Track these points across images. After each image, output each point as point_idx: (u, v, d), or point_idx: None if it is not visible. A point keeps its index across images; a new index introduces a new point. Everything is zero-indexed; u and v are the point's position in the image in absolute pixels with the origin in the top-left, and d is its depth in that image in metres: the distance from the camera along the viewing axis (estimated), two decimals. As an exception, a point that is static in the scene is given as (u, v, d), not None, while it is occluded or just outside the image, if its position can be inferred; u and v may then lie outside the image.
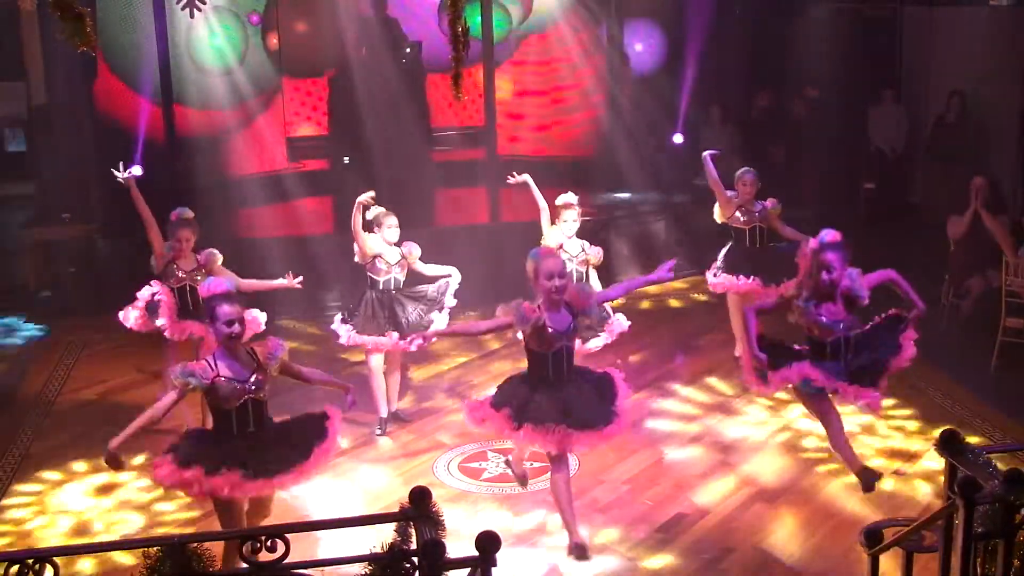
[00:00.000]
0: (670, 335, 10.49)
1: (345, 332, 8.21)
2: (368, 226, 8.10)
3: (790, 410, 8.47)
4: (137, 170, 10.55)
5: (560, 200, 8.28)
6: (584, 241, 8.33)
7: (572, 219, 8.21)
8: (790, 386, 6.50)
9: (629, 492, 7.33)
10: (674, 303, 11.29)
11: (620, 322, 8.30)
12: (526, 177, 8.38)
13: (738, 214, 8.97)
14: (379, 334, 8.07)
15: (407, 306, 8.15)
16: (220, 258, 7.98)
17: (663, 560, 6.47)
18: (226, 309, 5.33)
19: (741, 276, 8.93)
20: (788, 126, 13.40)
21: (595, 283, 8.27)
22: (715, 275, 9.13)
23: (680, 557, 6.49)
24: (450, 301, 8.25)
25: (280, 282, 8.02)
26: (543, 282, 5.82)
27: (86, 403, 9.19)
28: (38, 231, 11.56)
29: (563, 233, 8.24)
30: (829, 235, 6.02)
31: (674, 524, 6.89)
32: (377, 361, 8.25)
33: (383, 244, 8.13)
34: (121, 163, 7.96)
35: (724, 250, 9.15)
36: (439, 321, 8.14)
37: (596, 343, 8.20)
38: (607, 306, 8.24)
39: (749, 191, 8.94)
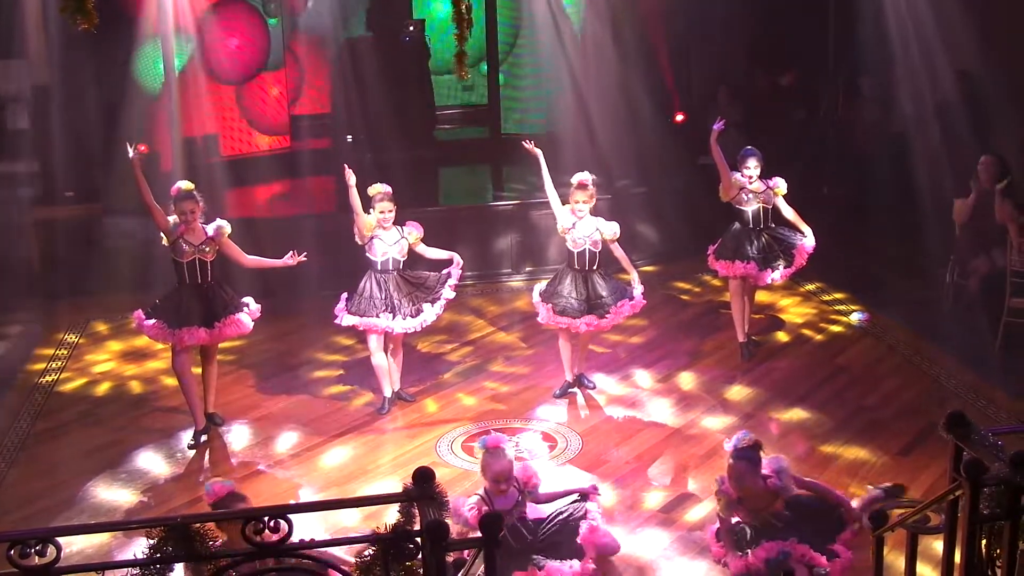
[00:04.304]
0: (675, 315, 10.47)
1: (340, 312, 8.20)
2: (368, 206, 8.06)
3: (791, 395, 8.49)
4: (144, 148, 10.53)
5: (574, 179, 8.17)
6: (598, 219, 8.21)
7: (583, 199, 8.11)
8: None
9: (633, 471, 7.33)
10: (680, 284, 11.26)
11: (639, 297, 8.26)
12: (539, 152, 8.31)
13: (742, 195, 8.93)
14: (374, 315, 8.06)
15: (404, 289, 8.12)
16: (228, 229, 7.87)
17: (666, 539, 6.48)
18: (240, 506, 5.26)
19: (738, 261, 8.92)
20: (792, 104, 13.34)
21: (620, 256, 8.20)
22: (716, 257, 9.12)
23: (681, 538, 6.50)
24: (448, 293, 8.21)
25: (284, 260, 8.01)
26: (490, 482, 5.87)
27: (89, 383, 9.19)
28: (41, 210, 11.53)
29: (575, 214, 8.17)
30: (740, 441, 5.98)
31: (677, 504, 6.90)
32: (375, 341, 8.22)
33: (379, 224, 8.09)
34: (128, 142, 7.87)
35: (727, 231, 9.11)
36: (429, 312, 8.13)
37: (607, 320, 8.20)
38: (636, 280, 8.21)
39: (752, 172, 8.89)
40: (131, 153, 7.62)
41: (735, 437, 6.03)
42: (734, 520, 6.06)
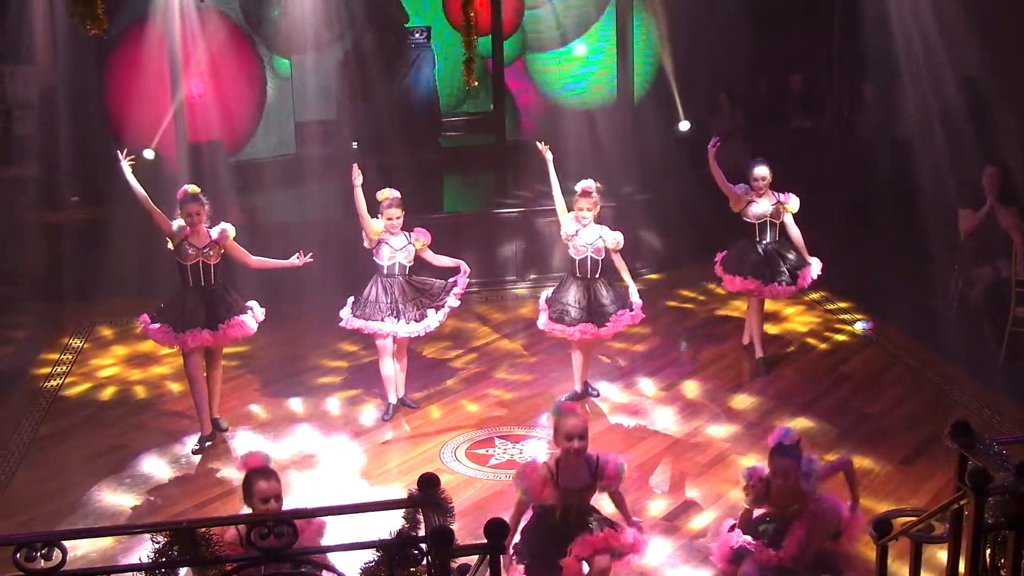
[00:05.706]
0: (679, 323, 10.47)
1: (346, 315, 8.21)
2: (376, 211, 8.08)
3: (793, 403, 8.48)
4: (149, 153, 10.53)
5: (578, 186, 8.14)
6: (603, 227, 8.20)
7: (586, 207, 8.08)
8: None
9: (636, 479, 7.33)
10: (684, 291, 11.26)
11: (637, 304, 8.23)
12: (550, 156, 8.29)
13: (751, 208, 8.88)
14: (379, 319, 8.06)
15: (409, 294, 8.13)
16: (233, 232, 7.87)
17: (669, 547, 6.48)
18: (262, 486, 5.15)
19: (738, 276, 8.90)
20: (797, 110, 13.34)
21: (619, 265, 8.19)
22: (723, 269, 9.10)
23: (685, 546, 6.50)
24: (452, 302, 8.22)
25: (291, 261, 8.01)
26: (562, 442, 5.73)
27: (94, 387, 9.20)
28: (46, 214, 11.55)
29: (578, 221, 8.14)
30: (786, 437, 5.96)
31: (681, 512, 6.89)
32: (383, 345, 8.23)
33: (387, 229, 8.09)
34: (118, 151, 7.87)
35: (735, 244, 9.08)
36: (432, 319, 8.14)
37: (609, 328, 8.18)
38: (633, 291, 8.19)
39: (761, 185, 8.85)
40: (122, 160, 7.66)
41: (781, 433, 5.96)
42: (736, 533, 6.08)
